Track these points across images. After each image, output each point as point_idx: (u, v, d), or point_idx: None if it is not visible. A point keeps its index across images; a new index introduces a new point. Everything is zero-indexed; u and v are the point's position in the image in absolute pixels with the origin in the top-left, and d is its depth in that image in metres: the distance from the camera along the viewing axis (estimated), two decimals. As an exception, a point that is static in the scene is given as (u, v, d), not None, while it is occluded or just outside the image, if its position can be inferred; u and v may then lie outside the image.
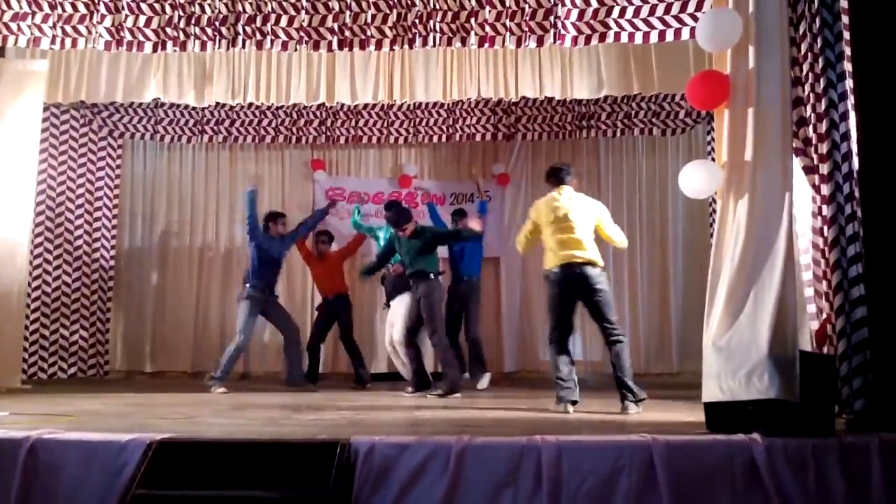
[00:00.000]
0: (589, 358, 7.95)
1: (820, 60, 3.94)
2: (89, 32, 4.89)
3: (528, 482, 3.08)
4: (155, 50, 4.98)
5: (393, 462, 3.12)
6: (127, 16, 4.84)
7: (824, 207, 3.89)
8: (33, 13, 4.85)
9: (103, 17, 4.83)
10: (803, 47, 3.98)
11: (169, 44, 4.92)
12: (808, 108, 3.99)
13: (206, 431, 3.71)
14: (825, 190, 3.89)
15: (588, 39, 4.67)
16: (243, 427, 3.92)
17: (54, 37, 4.90)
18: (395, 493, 3.08)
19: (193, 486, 3.09)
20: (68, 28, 4.87)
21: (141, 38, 4.91)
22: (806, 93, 3.99)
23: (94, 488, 3.08)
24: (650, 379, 7.52)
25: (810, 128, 3.98)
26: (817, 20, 3.95)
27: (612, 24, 4.61)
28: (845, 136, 3.86)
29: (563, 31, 4.64)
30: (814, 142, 3.97)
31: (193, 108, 7.73)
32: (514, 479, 3.09)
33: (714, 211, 6.08)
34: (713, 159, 6.11)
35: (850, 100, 3.90)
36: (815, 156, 3.97)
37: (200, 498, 3.04)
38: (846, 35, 3.94)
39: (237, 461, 3.21)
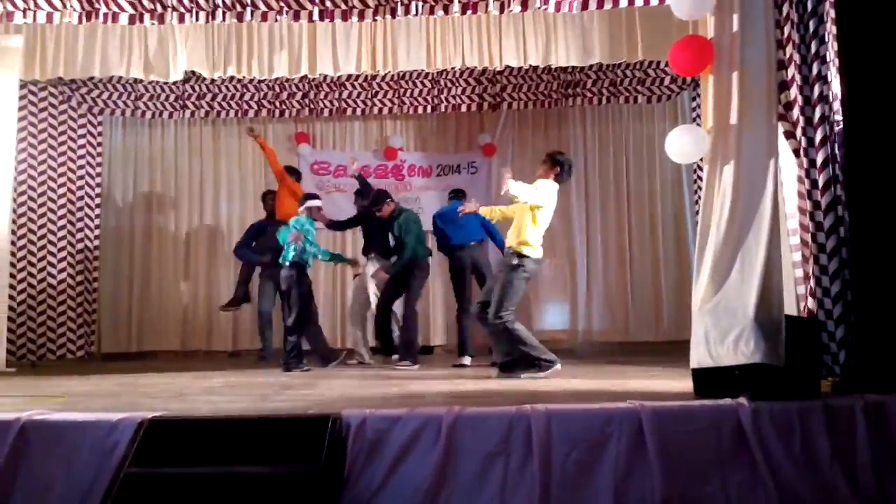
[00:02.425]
0: (582, 327, 8.02)
1: (802, 22, 3.91)
2: (64, 6, 4.77)
3: (519, 450, 3.11)
4: (132, 22, 4.87)
5: (385, 434, 3.14)
6: (103, -13, 4.73)
7: (807, 172, 3.89)
8: (5, -13, 4.73)
9: (78, -12, 4.72)
10: (785, 9, 3.94)
11: (146, 16, 4.82)
12: (790, 71, 3.95)
13: (197, 409, 3.70)
14: (807, 155, 3.88)
15: (571, 5, 4.61)
16: (234, 404, 3.91)
17: (26, 10, 4.78)
18: (387, 465, 3.10)
19: (186, 463, 3.10)
20: (41, 1, 4.75)
21: (116, 9, 4.80)
22: (787, 55, 3.96)
23: (86, 468, 3.07)
24: (639, 347, 7.60)
25: (792, 91, 3.95)
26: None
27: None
28: (827, 100, 3.84)
29: (547, -5, 4.58)
30: (795, 105, 3.94)
31: (174, 83, 7.60)
32: (504, 447, 3.12)
33: (700, 177, 6.07)
34: (699, 125, 6.13)
35: (834, 62, 3.88)
36: (797, 120, 3.95)
37: (193, 475, 3.04)
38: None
39: (229, 438, 3.21)
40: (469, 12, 4.81)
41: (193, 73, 6.70)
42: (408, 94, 8.03)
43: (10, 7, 4.77)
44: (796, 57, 3.91)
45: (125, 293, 7.97)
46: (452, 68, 6.72)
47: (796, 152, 3.99)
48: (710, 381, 3.53)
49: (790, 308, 3.80)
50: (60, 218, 7.45)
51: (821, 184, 3.82)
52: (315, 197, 6.31)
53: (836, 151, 3.83)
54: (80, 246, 7.60)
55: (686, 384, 3.75)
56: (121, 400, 4.11)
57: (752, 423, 3.14)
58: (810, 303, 3.87)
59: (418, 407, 3.32)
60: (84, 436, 3.15)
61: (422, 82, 7.95)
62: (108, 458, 3.06)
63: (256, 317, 7.15)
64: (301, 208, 6.10)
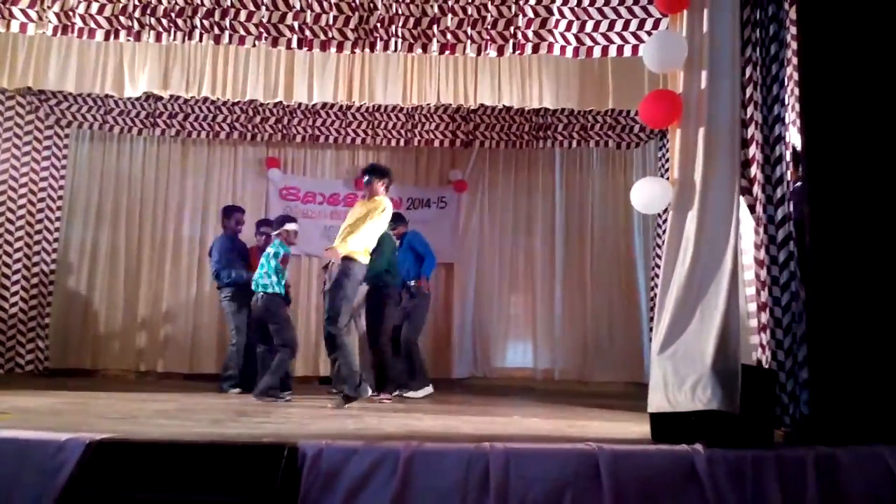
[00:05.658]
0: (542, 366, 8.06)
1: (765, 84, 4.06)
2: (40, 18, 4.73)
3: (476, 489, 3.09)
4: (107, 38, 4.84)
5: (340, 467, 3.09)
6: (79, 1, 4.70)
7: (765, 227, 4.00)
8: (-24, -7, 4.67)
9: (54, 0, 4.69)
10: (748, 70, 4.09)
11: (122, 33, 4.80)
12: (750, 129, 4.08)
13: (149, 432, 3.62)
14: (765, 210, 3.99)
15: (550, 48, 4.72)
16: (187, 428, 3.83)
17: (-1, 18, 4.72)
18: (341, 498, 3.05)
19: (134, 488, 3.01)
20: (16, 10, 4.69)
21: (92, 24, 4.77)
22: (749, 114, 4.10)
23: (29, 489, 2.96)
24: (597, 387, 7.66)
25: (751, 149, 4.08)
26: (766, 46, 4.08)
27: (570, 37, 4.68)
28: (782, 160, 3.98)
29: (522, 41, 4.68)
30: (754, 163, 4.06)
31: (146, 100, 7.55)
32: (461, 485, 3.09)
33: (664, 221, 6.17)
34: (664, 174, 6.28)
35: (792, 123, 4.03)
36: (755, 177, 4.07)
37: (141, 501, 2.96)
38: (794, 61, 4.08)
39: (180, 463, 3.13)
40: (447, 53, 4.90)
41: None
42: (382, 126, 8.10)
43: (-17, 16, 4.70)
44: (758, 117, 4.04)
45: (81, 308, 7.78)
46: (427, 104, 6.78)
47: (751, 208, 4.10)
48: (667, 425, 3.57)
49: (745, 357, 3.88)
50: (18, 229, 7.30)
51: (779, 239, 3.94)
52: (292, 220, 6.09)
53: (793, 208, 3.96)
54: (36, 259, 7.44)
55: (644, 428, 3.79)
56: (69, 419, 4.00)
57: (706, 469, 3.17)
58: (764, 353, 3.96)
59: (376, 440, 3.29)
60: (28, 455, 3.04)
61: (396, 115, 8.02)
62: (52, 479, 2.96)
63: (218, 341, 6.96)
64: (275, 232, 5.90)
